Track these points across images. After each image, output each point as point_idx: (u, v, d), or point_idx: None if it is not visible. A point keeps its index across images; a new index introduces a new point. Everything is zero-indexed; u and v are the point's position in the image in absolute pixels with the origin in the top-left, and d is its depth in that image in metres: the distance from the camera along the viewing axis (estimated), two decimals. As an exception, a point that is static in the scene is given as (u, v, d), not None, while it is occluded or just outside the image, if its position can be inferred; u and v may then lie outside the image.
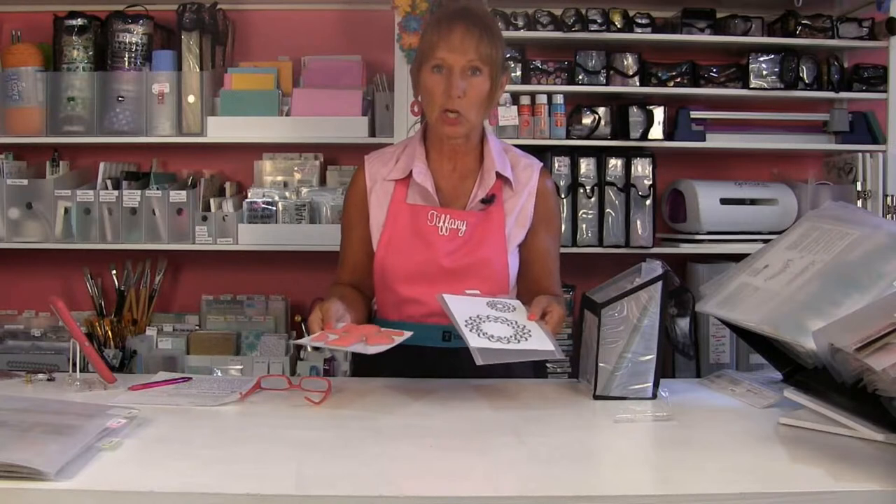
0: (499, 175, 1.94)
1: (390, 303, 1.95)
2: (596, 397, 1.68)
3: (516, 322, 1.68)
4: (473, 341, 1.59)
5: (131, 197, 2.89)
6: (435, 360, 1.90)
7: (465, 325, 1.63)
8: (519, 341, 1.63)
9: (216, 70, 2.98)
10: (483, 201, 1.93)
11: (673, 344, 1.87)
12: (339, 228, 2.07)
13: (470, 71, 1.85)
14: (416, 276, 1.89)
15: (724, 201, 2.95)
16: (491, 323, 1.66)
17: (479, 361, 1.58)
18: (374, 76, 3.00)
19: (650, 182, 2.92)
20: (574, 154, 2.92)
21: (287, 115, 2.94)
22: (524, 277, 1.97)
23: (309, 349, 2.87)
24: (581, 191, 2.90)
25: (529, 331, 1.66)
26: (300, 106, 2.93)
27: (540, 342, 1.64)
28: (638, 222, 2.92)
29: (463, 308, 1.69)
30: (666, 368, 2.25)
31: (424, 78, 1.88)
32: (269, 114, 2.92)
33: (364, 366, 2.03)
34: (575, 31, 2.88)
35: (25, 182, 2.90)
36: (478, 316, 1.67)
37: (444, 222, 1.91)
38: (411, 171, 1.93)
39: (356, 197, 2.00)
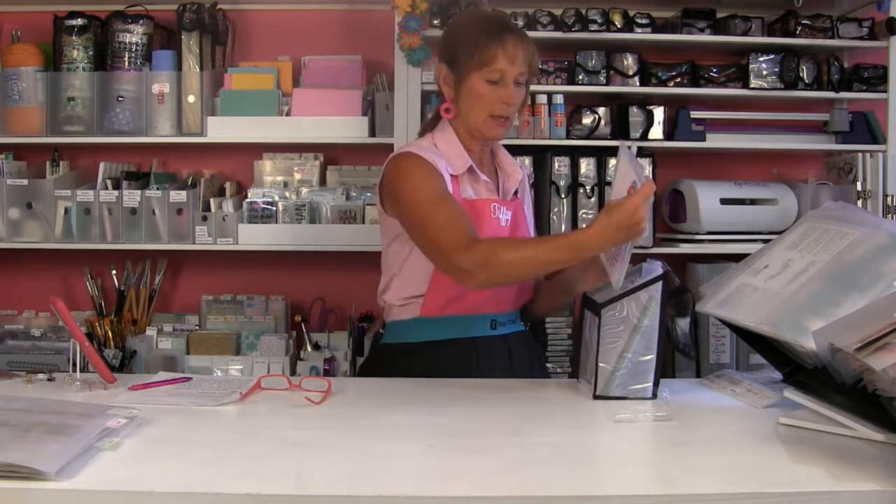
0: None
1: (445, 298, 1.92)
2: (596, 397, 1.68)
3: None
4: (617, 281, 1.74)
5: (131, 197, 2.88)
6: (482, 349, 1.94)
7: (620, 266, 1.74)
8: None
9: (216, 70, 2.97)
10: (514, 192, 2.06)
11: (673, 344, 1.87)
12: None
13: (518, 81, 1.94)
14: None
15: (724, 201, 2.95)
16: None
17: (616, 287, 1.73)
18: (374, 76, 3.00)
19: (650, 182, 2.92)
20: (574, 154, 2.91)
21: (287, 115, 2.93)
22: None
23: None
24: (581, 191, 2.90)
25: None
26: (300, 106, 2.92)
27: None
28: (638, 222, 2.92)
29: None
30: (666, 368, 2.25)
31: (475, 83, 1.93)
32: (269, 114, 2.92)
33: (384, 361, 2.01)
34: (575, 31, 2.88)
35: (25, 182, 2.90)
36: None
37: (502, 213, 1.97)
38: (470, 167, 1.97)
39: (433, 171, 1.90)
